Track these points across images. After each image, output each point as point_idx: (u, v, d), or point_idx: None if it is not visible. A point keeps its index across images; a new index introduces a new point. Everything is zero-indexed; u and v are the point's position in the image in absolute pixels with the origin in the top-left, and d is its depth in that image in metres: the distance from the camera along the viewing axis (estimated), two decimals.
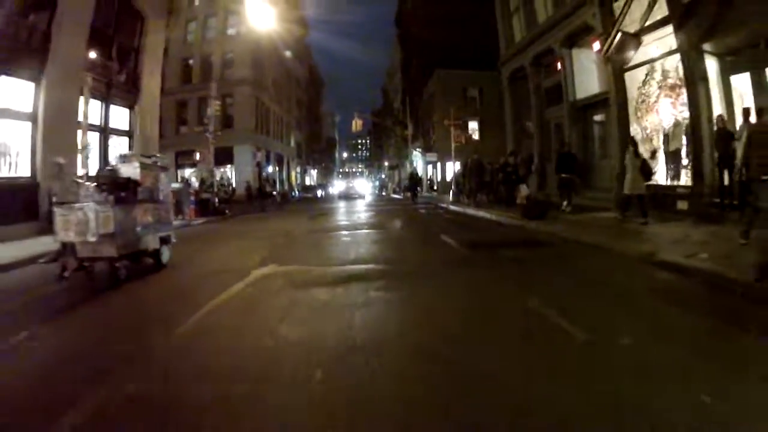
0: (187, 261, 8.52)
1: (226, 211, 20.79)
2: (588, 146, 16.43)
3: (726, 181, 9.59)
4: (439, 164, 41.61)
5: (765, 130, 8.13)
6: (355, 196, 39.36)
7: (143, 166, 7.76)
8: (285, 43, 46.00)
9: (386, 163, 74.26)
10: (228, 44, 39.11)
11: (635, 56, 12.14)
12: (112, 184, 7.16)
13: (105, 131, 17.56)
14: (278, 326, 4.41)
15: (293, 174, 57.44)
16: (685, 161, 11.18)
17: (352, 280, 6.30)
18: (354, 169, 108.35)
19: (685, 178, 11.16)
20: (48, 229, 12.25)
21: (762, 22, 9.01)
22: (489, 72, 30.48)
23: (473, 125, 38.53)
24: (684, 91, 11.00)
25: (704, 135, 10.23)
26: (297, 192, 47.56)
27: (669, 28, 11.18)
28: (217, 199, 21.09)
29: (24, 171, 13.76)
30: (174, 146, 33.90)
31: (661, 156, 12.04)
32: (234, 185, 33.72)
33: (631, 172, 10.00)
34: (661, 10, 11.32)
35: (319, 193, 51.95)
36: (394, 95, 66.53)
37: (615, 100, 13.16)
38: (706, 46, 10.60)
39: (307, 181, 66.51)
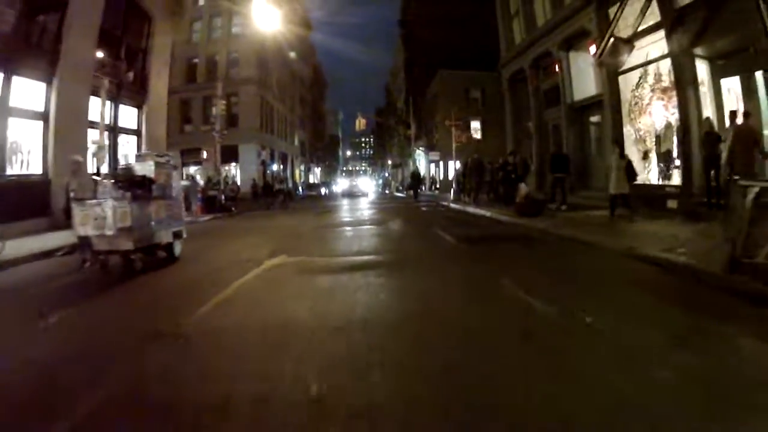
0: (199, 254, 9.02)
1: (233, 209, 21.28)
2: (584, 147, 16.86)
3: (713, 182, 9.99)
4: (441, 163, 42.05)
5: (748, 131, 8.60)
6: (358, 194, 39.78)
7: (157, 165, 8.24)
8: (289, 42, 46.39)
9: (389, 162, 74.62)
10: (233, 44, 39.51)
11: (629, 60, 12.55)
12: (129, 182, 7.64)
13: (114, 130, 18.08)
14: (292, 302, 5.17)
15: (297, 172, 57.89)
16: (676, 162, 11.58)
17: (354, 268, 6.95)
18: (357, 168, 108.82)
19: (676, 178, 11.56)
20: (60, 224, 12.85)
21: (750, 27, 9.38)
22: (491, 73, 30.80)
23: (475, 125, 39.00)
24: (675, 93, 11.40)
25: (693, 137, 10.64)
26: (301, 190, 47.96)
27: (661, 33, 11.59)
28: (223, 197, 21.55)
29: (36, 168, 14.21)
30: (179, 144, 34.24)
31: (653, 157, 12.43)
32: (239, 183, 34.17)
33: (615, 172, 10.50)
34: (653, 16, 11.73)
35: (323, 191, 52.30)
36: (397, 95, 66.82)
37: (609, 103, 13.61)
38: (698, 50, 10.99)
39: (311, 179, 66.88)
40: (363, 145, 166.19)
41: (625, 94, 13.33)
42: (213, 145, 23.52)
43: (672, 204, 11.15)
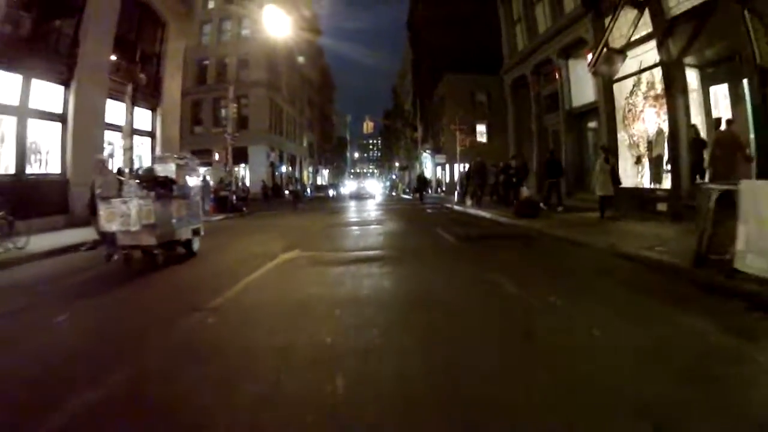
0: (216, 250, 9.74)
1: (243, 209, 21.97)
2: (582, 152, 17.42)
3: None
4: (447, 166, 42.52)
5: (730, 138, 9.13)
6: (365, 196, 40.37)
7: (178, 167, 8.91)
8: (298, 45, 47.06)
9: (397, 164, 75.11)
10: (243, 46, 40.15)
11: (623, 68, 13.06)
12: (152, 182, 8.30)
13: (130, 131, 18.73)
14: (307, 287, 5.96)
15: (305, 174, 58.60)
16: (666, 166, 12.10)
17: (360, 261, 7.75)
18: (365, 170, 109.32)
19: (666, 182, 12.09)
20: (77, 221, 13.52)
21: (737, 37, 9.88)
22: (497, 76, 31.21)
23: (481, 128, 39.56)
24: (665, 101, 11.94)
25: (682, 142, 11.17)
26: (309, 192, 48.64)
27: (654, 43, 12.12)
28: (234, 197, 22.23)
29: (54, 168, 14.82)
30: (189, 145, 34.59)
31: (645, 161, 12.97)
32: (248, 184, 34.80)
33: (601, 176, 11.16)
34: (646, 26, 12.26)
35: (331, 192, 52.93)
36: (405, 97, 67.39)
37: (604, 109, 14.19)
38: (688, 59, 11.50)
39: (319, 181, 67.58)
40: (371, 147, 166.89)
41: (620, 101, 13.87)
42: (223, 146, 24.19)
43: (662, 207, 11.68)
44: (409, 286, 6.14)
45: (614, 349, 3.61)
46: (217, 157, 27.86)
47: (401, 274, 6.84)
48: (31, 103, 13.74)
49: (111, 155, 16.74)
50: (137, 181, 8.39)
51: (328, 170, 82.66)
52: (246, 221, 18.33)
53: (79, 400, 2.85)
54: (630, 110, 13.46)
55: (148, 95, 19.82)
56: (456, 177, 33.29)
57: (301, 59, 50.56)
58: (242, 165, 37.77)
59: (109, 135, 17.18)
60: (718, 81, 11.25)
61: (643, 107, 12.93)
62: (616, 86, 13.93)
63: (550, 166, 15.29)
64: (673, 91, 11.55)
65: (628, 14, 12.28)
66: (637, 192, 12.92)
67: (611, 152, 12.78)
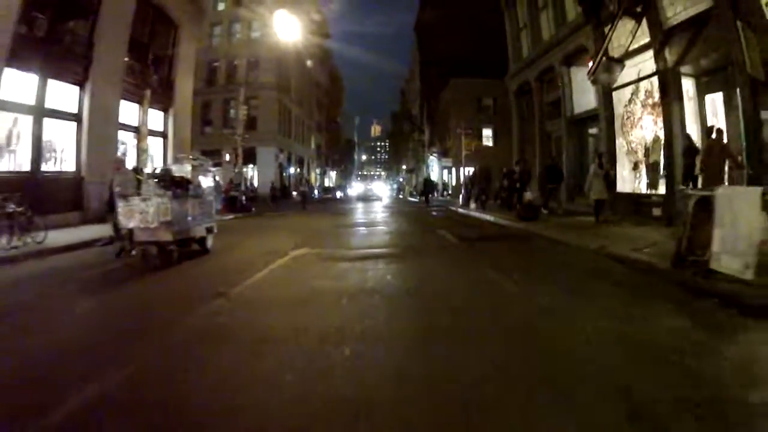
0: (229, 247, 10.26)
1: (252, 209, 22.52)
2: (583, 157, 17.81)
3: None
4: (453, 169, 42.96)
5: (718, 146, 9.53)
6: (372, 198, 40.94)
7: (193, 167, 9.44)
8: (308, 48, 47.59)
9: (404, 167, 75.59)
10: (253, 48, 40.64)
11: (623, 77, 13.45)
12: (170, 181, 8.82)
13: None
14: (316, 280, 6.49)
15: (313, 175, 59.18)
16: (662, 172, 12.49)
17: (366, 258, 8.35)
18: (372, 172, 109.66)
19: (662, 188, 12.47)
20: (91, 218, 14.02)
21: (730, 47, 10.25)
22: (504, 81, 31.73)
23: (487, 132, 40.00)
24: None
25: (676, 149, 11.56)
26: (317, 193, 49.19)
27: (651, 52, 12.52)
28: (244, 198, 22.78)
29: (69, 166, 15.25)
30: (199, 146, 35.03)
31: (642, 167, 13.37)
32: (256, 185, 35.31)
33: (595, 181, 11.63)
34: (644, 36, 12.66)
35: (338, 194, 53.48)
36: (412, 101, 67.85)
37: (604, 116, 14.63)
38: (684, 69, 11.90)
39: (326, 183, 68.15)
40: (378, 149, 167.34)
41: (619, 108, 14.27)
42: (233, 147, 24.74)
43: (657, 212, 12.08)
44: (410, 280, 6.67)
45: (581, 332, 4.10)
46: (227, 158, 28.41)
47: (403, 270, 7.35)
48: (47, 102, 14.13)
49: (123, 154, 17.26)
50: (155, 180, 8.92)
51: (335, 172, 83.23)
52: (255, 221, 18.86)
53: (126, 360, 3.43)
54: (628, 117, 13.86)
55: (161, 97, 20.30)
56: (462, 180, 33.75)
57: (309, 63, 51.07)
58: (251, 166, 38.24)
59: (122, 135, 17.63)
60: (713, 90, 11.60)
61: (641, 115, 13.32)
62: (615, 94, 14.33)
63: (551, 171, 15.87)
64: (669, 99, 11.95)
65: (626, 24, 12.69)
66: (634, 197, 13.33)
67: (605, 158, 13.25)
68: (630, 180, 13.77)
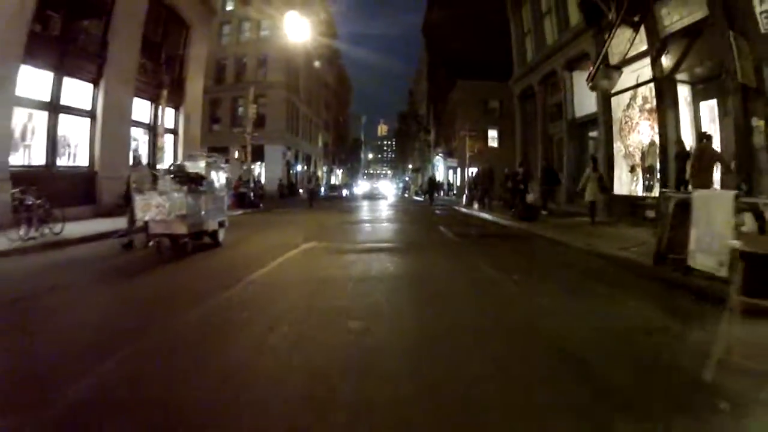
0: (240, 241, 10.81)
1: (260, 205, 23.07)
2: (583, 160, 18.17)
3: None
4: (459, 169, 43.34)
5: (707, 152, 9.93)
6: (378, 196, 41.46)
7: (207, 164, 9.96)
8: (316, 48, 48.07)
9: (410, 166, 75.98)
10: (262, 47, 41.17)
11: (621, 82, 13.87)
12: (185, 177, 9.32)
13: (154, 129, 19.59)
14: (325, 269, 7.20)
15: (319, 173, 59.71)
16: (657, 176, 12.90)
17: (371, 250, 9.06)
18: (379, 171, 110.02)
19: (656, 191, 12.88)
20: (103, 212, 14.48)
21: (723, 55, 10.63)
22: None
23: (493, 134, 40.39)
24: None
25: (670, 154, 11.98)
26: (323, 191, 49.69)
27: (648, 59, 12.94)
28: (252, 194, 23.33)
29: (82, 161, 15.71)
30: (207, 143, 35.59)
31: (639, 171, 13.78)
32: (263, 182, 35.82)
33: (590, 183, 12.17)
34: (643, 43, 13.06)
35: (344, 192, 53.86)
36: (419, 101, 68.23)
37: (602, 121, 15.06)
38: (680, 76, 12.30)
39: (333, 181, 68.64)
40: (385, 148, 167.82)
41: (617, 113, 14.69)
42: (241, 144, 25.23)
43: (651, 214, 12.45)
44: (409, 269, 7.39)
45: (558, 312, 4.74)
46: (236, 155, 28.91)
47: (404, 261, 8.05)
48: (62, 99, 14.53)
49: (136, 150, 17.76)
50: (171, 176, 9.43)
51: (342, 170, 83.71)
52: (264, 216, 19.38)
53: (167, 324, 4.06)
54: (626, 122, 14.28)
55: (172, 95, 20.66)
56: (466, 181, 34.17)
57: (317, 64, 51.55)
58: (258, 163, 38.45)
59: (134, 132, 18.15)
60: (708, 97, 11.98)
61: (639, 120, 13.73)
62: (614, 99, 14.75)
63: (547, 174, 16.54)
64: (665, 105, 12.38)
65: (625, 32, 13.10)
66: (631, 199, 13.75)
67: (600, 161, 13.73)
68: (627, 183, 14.19)
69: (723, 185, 10.16)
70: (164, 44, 20.20)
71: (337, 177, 77.14)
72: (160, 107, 16.93)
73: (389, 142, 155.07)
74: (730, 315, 3.34)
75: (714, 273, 5.78)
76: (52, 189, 12.25)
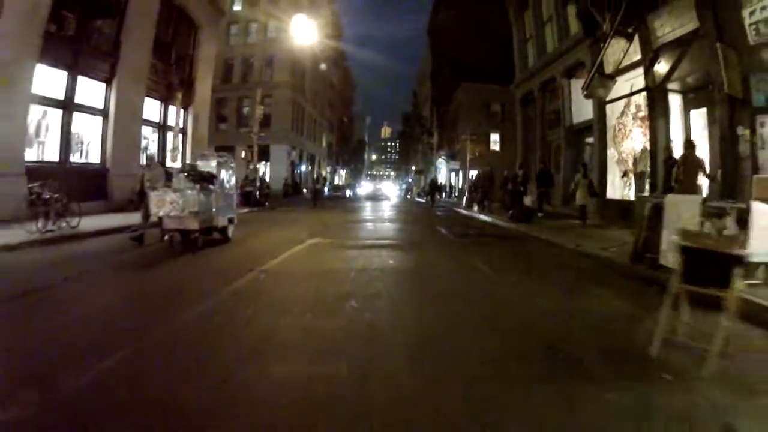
0: (249, 236, 11.42)
1: (266, 204, 23.66)
2: (579, 165, 18.72)
3: None
4: (461, 172, 43.84)
5: (692, 159, 10.45)
6: (381, 197, 42.13)
7: (218, 163, 10.55)
8: (322, 50, 48.59)
9: (413, 168, 76.46)
10: (268, 48, 41.75)
11: (616, 91, 14.41)
12: (197, 176, 9.90)
13: (163, 128, 20.38)
14: (329, 262, 8.01)
15: (324, 173, 60.26)
16: (648, 181, 13.42)
17: (372, 247, 9.78)
18: (382, 172, 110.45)
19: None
20: (114, 207, 15.00)
21: (711, 66, 11.08)
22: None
23: (495, 137, 40.92)
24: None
25: (659, 160, 12.51)
26: (327, 191, 50.21)
27: (641, 69, 13.46)
28: (257, 193, 23.93)
29: (95, 158, 16.29)
30: (213, 142, 36.04)
31: (631, 176, 14.31)
32: (268, 181, 36.35)
33: (579, 188, 12.87)
34: (636, 53, 13.58)
35: (348, 192, 54.35)
36: (423, 103, 68.71)
37: (597, 127, 15.60)
38: (671, 85, 12.79)
39: (336, 181, 69.18)
40: (389, 149, 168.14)
41: (611, 120, 15.22)
42: (247, 143, 25.79)
43: None
44: (408, 263, 8.13)
45: (538, 302, 5.30)
46: (243, 154, 29.48)
47: (403, 257, 8.81)
48: (77, 98, 15.08)
49: (146, 148, 18.35)
50: (185, 174, 10.01)
51: (345, 171, 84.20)
52: (269, 215, 20.02)
53: (184, 313, 4.70)
54: (620, 129, 14.81)
55: (181, 95, 21.33)
56: (467, 183, 34.68)
57: (323, 66, 52.09)
58: (263, 162, 39.02)
59: (145, 130, 18.79)
60: (698, 105, 12.44)
61: (632, 127, 14.25)
62: (608, 107, 15.27)
63: (542, 177, 17.15)
64: (656, 113, 12.90)
65: (619, 42, 13.63)
66: (624, 203, 14.25)
67: (589, 167, 14.48)
68: (619, 187, 14.72)
69: (710, 192, 10.67)
70: (174, 44, 20.77)
71: (341, 177, 77.64)
72: (174, 107, 17.35)
73: (393, 144, 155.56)
74: (672, 301, 3.87)
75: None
76: (65, 185, 12.66)
